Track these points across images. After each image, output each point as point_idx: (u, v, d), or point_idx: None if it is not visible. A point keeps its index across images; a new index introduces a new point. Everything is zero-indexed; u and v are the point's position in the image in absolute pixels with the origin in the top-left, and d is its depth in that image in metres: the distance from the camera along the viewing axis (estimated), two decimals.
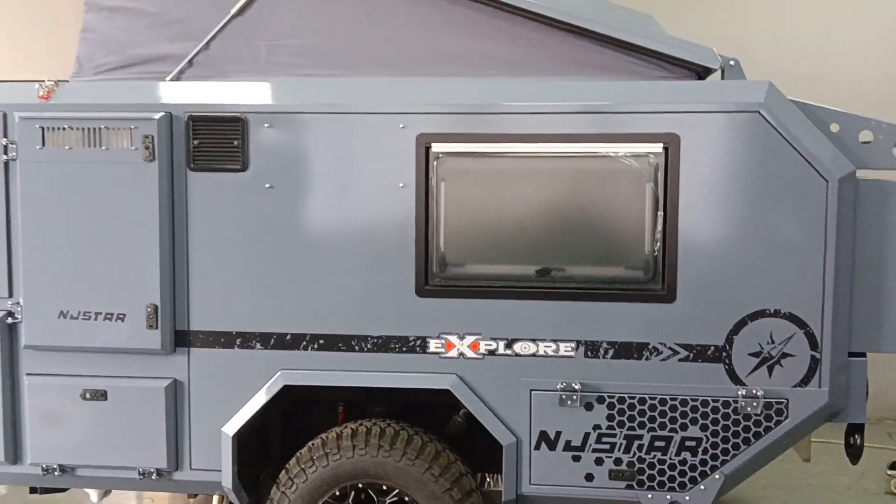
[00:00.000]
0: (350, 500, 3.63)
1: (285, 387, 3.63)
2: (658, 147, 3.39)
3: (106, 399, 3.66)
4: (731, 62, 3.58)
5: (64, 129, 3.58)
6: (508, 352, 3.54)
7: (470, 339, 3.56)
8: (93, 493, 4.05)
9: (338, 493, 3.62)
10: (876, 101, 6.66)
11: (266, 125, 3.55)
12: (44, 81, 3.66)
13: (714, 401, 3.47)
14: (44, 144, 3.58)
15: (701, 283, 3.42)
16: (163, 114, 3.55)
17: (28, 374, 3.71)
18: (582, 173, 3.47)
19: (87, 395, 3.66)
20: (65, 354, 3.68)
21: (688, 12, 7.04)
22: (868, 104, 6.60)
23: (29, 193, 3.61)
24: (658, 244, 3.43)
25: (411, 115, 3.50)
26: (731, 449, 3.48)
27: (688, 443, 3.49)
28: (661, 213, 3.41)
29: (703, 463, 3.49)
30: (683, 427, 3.49)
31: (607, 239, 3.49)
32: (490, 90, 3.53)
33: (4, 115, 3.63)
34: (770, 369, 3.45)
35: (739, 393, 3.45)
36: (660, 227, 3.42)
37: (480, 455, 3.88)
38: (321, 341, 3.61)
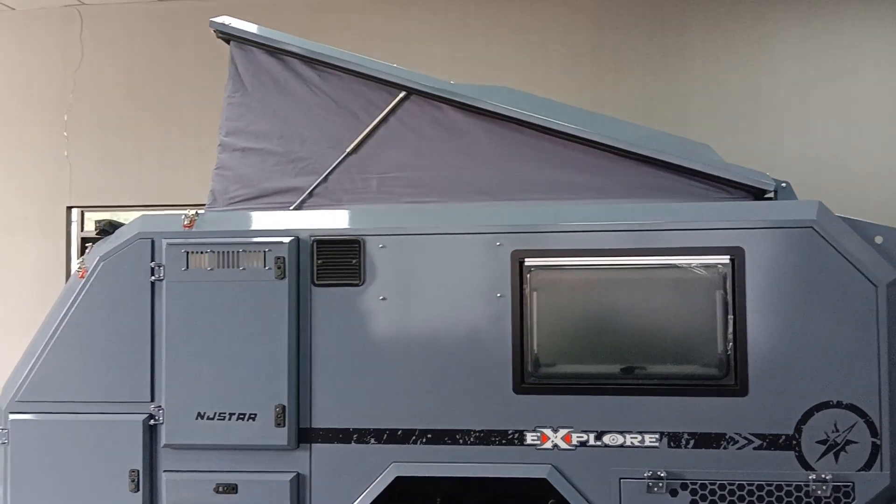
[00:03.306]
0: None
1: (397, 478, 4.04)
2: (725, 258, 3.90)
3: (236, 493, 4.07)
4: (783, 184, 4.13)
5: (205, 252, 4.13)
6: (598, 443, 3.95)
7: (563, 431, 3.98)
8: None
9: None
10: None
11: (380, 245, 4.09)
12: (186, 212, 4.23)
13: (787, 485, 3.84)
14: (187, 266, 4.13)
15: (770, 379, 3.85)
16: (292, 238, 4.11)
17: (166, 471, 4.15)
18: (658, 282, 3.97)
19: (220, 489, 4.08)
20: (200, 452, 4.12)
21: (718, 132, 7.62)
22: (891, 215, 7.11)
23: (173, 309, 4.13)
24: (730, 344, 3.88)
25: (507, 235, 4.04)
26: None
27: None
28: (731, 316, 3.88)
29: None
30: None
31: (683, 340, 3.95)
32: (577, 212, 4.07)
33: (153, 242, 4.19)
34: (836, 455, 3.84)
35: (810, 477, 3.83)
36: (730, 329, 3.88)
37: None
38: (429, 436, 4.04)
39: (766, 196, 4.19)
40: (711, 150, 4.40)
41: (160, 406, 4.13)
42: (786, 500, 3.84)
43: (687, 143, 4.46)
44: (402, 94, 4.35)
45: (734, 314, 3.88)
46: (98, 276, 4.21)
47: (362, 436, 4.07)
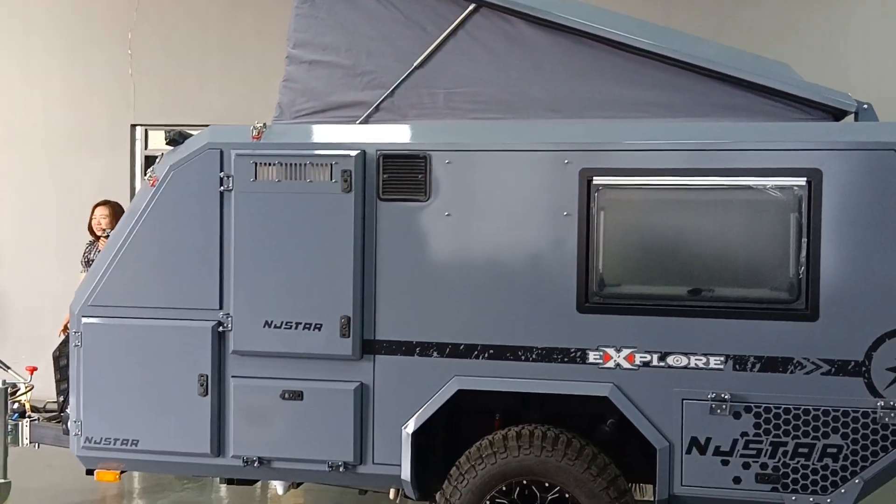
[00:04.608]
0: (515, 496, 4.04)
1: (458, 391, 4.09)
2: (802, 180, 3.79)
3: (302, 399, 4.17)
4: (865, 105, 3.97)
5: (273, 164, 4.15)
6: (662, 364, 3.94)
7: (626, 351, 3.97)
8: (279, 486, 4.54)
9: (504, 488, 4.03)
10: None
11: (447, 161, 4.07)
12: (255, 124, 4.24)
13: (854, 411, 3.79)
14: (256, 178, 4.16)
15: (842, 304, 3.77)
16: (358, 152, 4.10)
17: (234, 377, 4.25)
18: (731, 203, 3.88)
19: (286, 396, 4.17)
20: (267, 359, 4.21)
21: (789, 59, 7.36)
22: None
23: (242, 219, 4.18)
24: (802, 268, 3.80)
25: (575, 153, 3.98)
26: (870, 456, 3.78)
27: (829, 450, 3.81)
28: (804, 239, 3.79)
29: (844, 468, 3.80)
30: (825, 435, 3.81)
31: (754, 262, 3.88)
32: (648, 130, 3.99)
33: (221, 153, 4.22)
34: None
35: (878, 404, 3.77)
36: (804, 253, 3.80)
37: (622, 465, 4.22)
38: (491, 351, 4.07)
39: (845, 117, 4.05)
40: (789, 69, 4.25)
41: (229, 313, 4.22)
42: (853, 426, 3.79)
43: (763, 61, 4.32)
44: (471, 7, 4.26)
45: (808, 237, 3.79)
46: (168, 184, 4.26)
47: (425, 349, 4.11)
